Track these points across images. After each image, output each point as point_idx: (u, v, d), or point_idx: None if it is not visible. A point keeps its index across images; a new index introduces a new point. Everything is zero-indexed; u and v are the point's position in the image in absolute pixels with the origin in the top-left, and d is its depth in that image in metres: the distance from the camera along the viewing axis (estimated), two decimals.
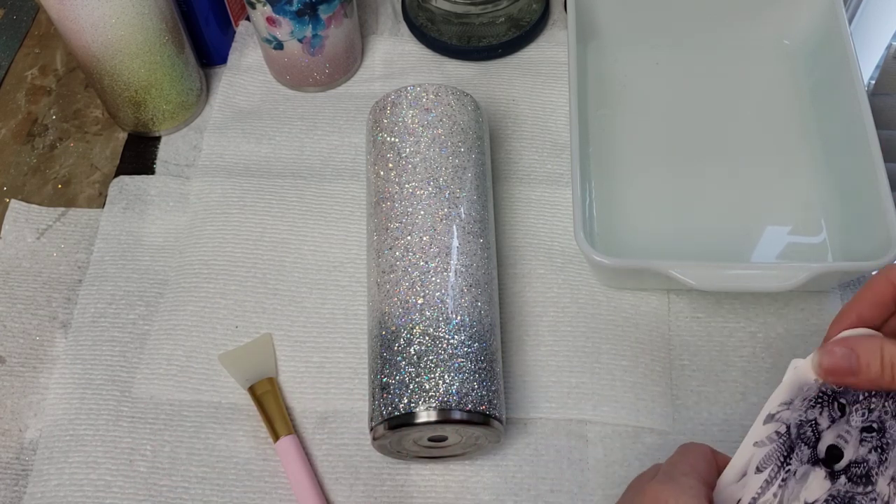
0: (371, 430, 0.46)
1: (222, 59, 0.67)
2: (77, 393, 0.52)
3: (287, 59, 0.63)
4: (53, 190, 0.62)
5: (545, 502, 0.48)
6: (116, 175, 0.62)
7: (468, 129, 0.53)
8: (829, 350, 0.37)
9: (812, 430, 0.38)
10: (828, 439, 0.38)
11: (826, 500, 0.39)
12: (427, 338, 0.45)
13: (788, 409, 0.38)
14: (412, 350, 0.45)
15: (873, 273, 0.53)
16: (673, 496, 0.37)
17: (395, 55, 0.68)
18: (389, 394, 0.45)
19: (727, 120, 0.61)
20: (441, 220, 0.49)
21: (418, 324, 0.46)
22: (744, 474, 0.39)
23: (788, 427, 0.38)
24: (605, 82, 0.63)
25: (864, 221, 0.52)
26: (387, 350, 0.46)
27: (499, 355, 0.48)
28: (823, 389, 0.38)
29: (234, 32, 0.68)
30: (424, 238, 0.48)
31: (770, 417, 0.38)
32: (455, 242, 0.49)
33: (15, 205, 0.60)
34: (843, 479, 0.39)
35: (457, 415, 0.44)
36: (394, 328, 0.46)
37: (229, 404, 0.52)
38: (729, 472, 0.39)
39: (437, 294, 0.47)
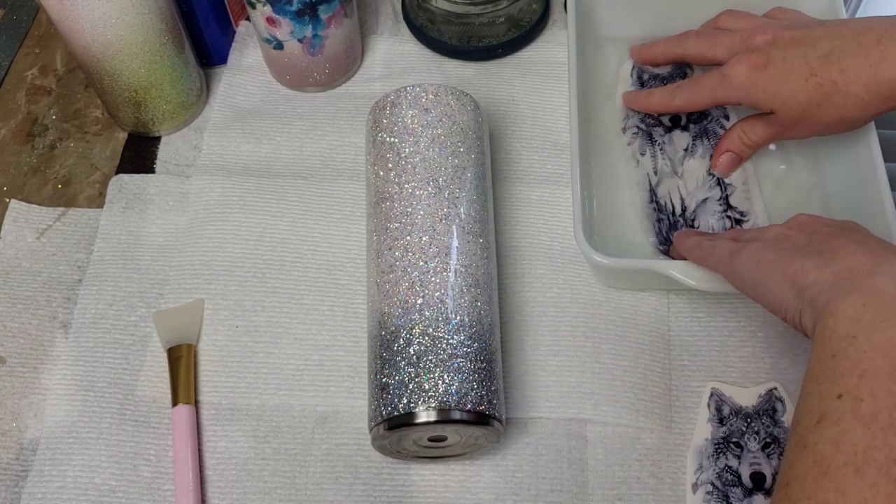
0: (371, 430, 0.46)
1: (222, 59, 0.67)
2: (79, 395, 0.52)
3: (287, 59, 0.63)
4: (53, 190, 0.62)
5: (545, 502, 0.48)
6: (116, 175, 0.62)
7: (468, 129, 0.53)
8: (718, 161, 0.57)
9: (731, 474, 0.48)
10: (745, 472, 0.48)
11: None
12: (426, 338, 0.45)
13: (702, 471, 0.48)
14: (412, 350, 0.45)
15: None
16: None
17: (395, 55, 0.68)
18: (389, 394, 0.45)
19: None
20: (441, 220, 0.49)
21: (418, 324, 0.46)
22: None
23: (712, 483, 0.48)
24: (605, 82, 0.63)
25: (864, 221, 0.52)
26: (386, 350, 0.46)
27: (498, 355, 0.48)
28: (716, 442, 0.49)
29: (234, 32, 0.68)
30: (424, 238, 0.48)
31: (694, 487, 0.48)
32: (455, 242, 0.49)
33: (15, 205, 0.60)
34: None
35: (456, 415, 0.44)
36: (393, 328, 0.46)
37: (229, 404, 0.52)
38: None
39: (437, 294, 0.47)
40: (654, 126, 0.59)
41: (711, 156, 0.57)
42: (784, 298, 0.41)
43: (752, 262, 0.44)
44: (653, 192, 0.57)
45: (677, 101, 0.56)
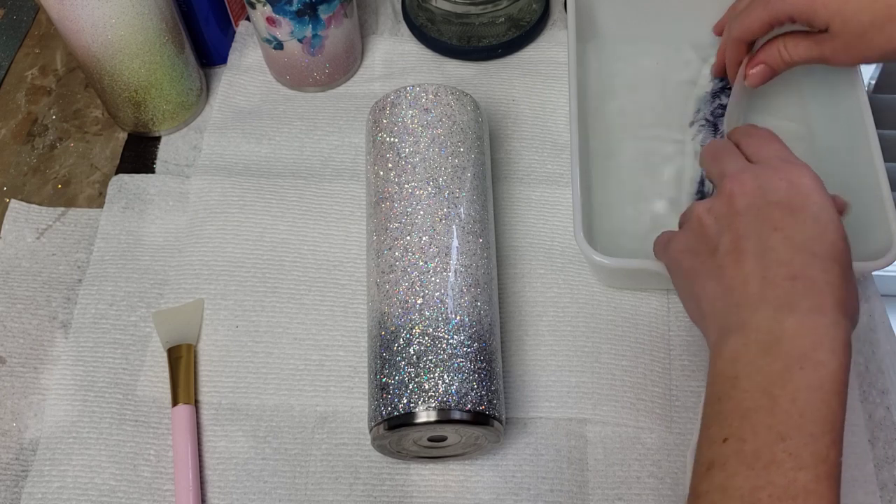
0: (371, 430, 0.46)
1: (222, 59, 0.67)
2: (79, 395, 0.52)
3: (287, 59, 0.63)
4: (53, 190, 0.62)
5: (545, 502, 0.48)
6: (116, 175, 0.62)
7: (468, 129, 0.53)
8: (749, 72, 0.55)
9: None
10: None
11: None
12: (426, 338, 0.45)
13: None
14: (411, 350, 0.45)
15: (873, 273, 0.53)
16: (808, 178, 0.40)
17: (395, 55, 0.68)
18: (389, 394, 0.45)
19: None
20: (440, 220, 0.49)
21: (418, 324, 0.46)
22: None
23: None
24: (604, 82, 0.63)
25: (864, 221, 0.52)
26: (386, 350, 0.46)
27: (498, 355, 0.48)
28: None
29: (234, 32, 0.68)
30: (424, 238, 0.48)
31: None
32: (454, 242, 0.49)
33: (15, 205, 0.60)
34: None
35: (456, 415, 0.44)
36: (393, 328, 0.46)
37: (229, 404, 0.52)
38: None
39: (437, 294, 0.47)
40: (720, 117, 0.59)
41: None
42: (694, 318, 0.42)
43: (672, 265, 0.44)
44: (701, 184, 0.57)
45: (734, 32, 0.54)
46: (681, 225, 0.45)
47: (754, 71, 0.55)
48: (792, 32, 0.53)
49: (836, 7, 0.48)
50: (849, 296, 0.38)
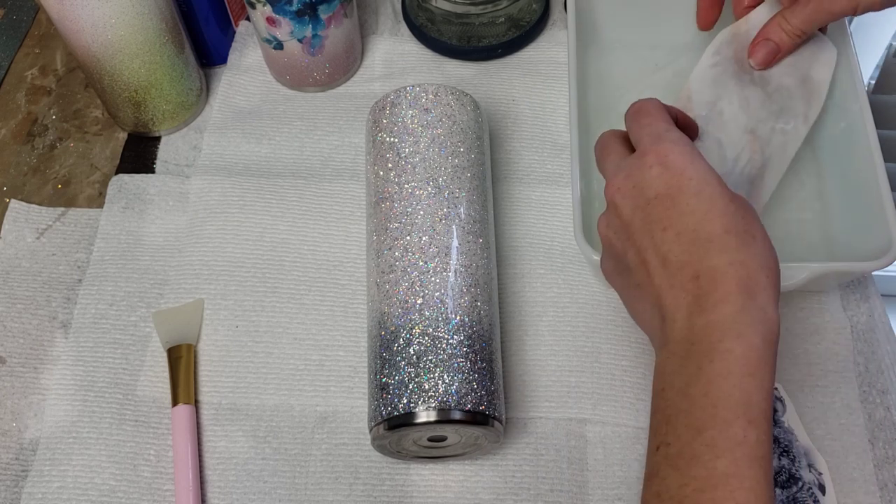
0: (371, 430, 0.46)
1: (222, 59, 0.67)
2: (79, 395, 0.52)
3: (287, 59, 0.63)
4: (53, 190, 0.62)
5: (545, 502, 0.48)
6: (116, 175, 0.62)
7: (468, 129, 0.53)
8: (755, 50, 0.53)
9: None
10: None
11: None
12: (426, 338, 0.45)
13: None
14: (411, 350, 0.45)
15: (873, 273, 0.53)
16: (677, 153, 0.39)
17: (395, 55, 0.68)
18: (389, 394, 0.45)
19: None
20: (440, 220, 0.49)
21: (418, 324, 0.46)
22: None
23: None
24: (604, 82, 0.63)
25: (864, 221, 0.52)
26: (386, 350, 0.46)
27: (498, 355, 0.48)
28: None
29: (234, 32, 0.68)
30: (424, 238, 0.48)
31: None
32: (454, 242, 0.49)
33: (15, 205, 0.60)
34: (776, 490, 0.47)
35: (456, 415, 0.44)
36: (393, 328, 0.46)
37: (229, 404, 0.52)
38: None
39: (437, 294, 0.47)
40: None
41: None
42: (642, 329, 0.42)
43: (612, 287, 0.43)
44: None
45: None
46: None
47: (758, 49, 0.53)
48: (791, 3, 0.52)
49: None
50: (752, 258, 0.37)
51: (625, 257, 0.40)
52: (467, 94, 0.55)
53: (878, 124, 0.54)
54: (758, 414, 0.34)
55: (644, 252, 0.39)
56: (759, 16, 0.55)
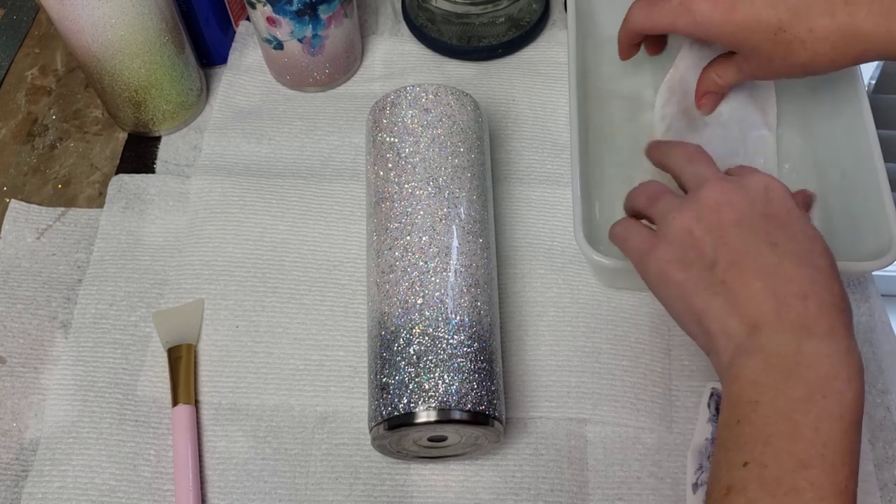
0: (371, 430, 0.46)
1: (222, 59, 0.67)
2: (79, 395, 0.52)
3: (287, 59, 0.63)
4: (53, 190, 0.62)
5: (545, 502, 0.48)
6: (116, 175, 0.62)
7: (468, 129, 0.53)
8: (702, 103, 0.57)
9: None
10: None
11: None
12: (426, 338, 0.45)
13: (703, 471, 0.47)
14: (412, 350, 0.45)
15: (873, 273, 0.53)
16: (780, 186, 0.41)
17: (395, 55, 0.68)
18: (389, 394, 0.45)
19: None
20: (440, 220, 0.49)
21: (418, 324, 0.46)
22: None
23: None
24: (604, 82, 0.63)
25: (864, 221, 0.52)
26: (386, 350, 0.46)
27: (498, 355, 0.48)
28: (710, 441, 0.48)
29: (234, 32, 0.68)
30: (424, 238, 0.48)
31: (694, 487, 0.47)
32: (454, 242, 0.49)
33: (15, 205, 0.60)
34: None
35: (456, 415, 0.44)
36: (393, 328, 0.46)
37: (229, 404, 0.52)
38: None
39: (437, 294, 0.47)
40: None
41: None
42: (691, 332, 0.41)
43: (658, 277, 0.42)
44: None
45: (637, 22, 0.53)
46: (650, 250, 0.43)
47: (705, 100, 0.57)
48: (719, 58, 0.55)
49: (741, 38, 0.49)
50: (851, 315, 0.38)
51: (710, 253, 0.39)
52: (467, 94, 0.55)
53: (878, 124, 0.54)
54: (857, 467, 0.35)
55: (743, 255, 0.39)
56: (685, 62, 0.58)
